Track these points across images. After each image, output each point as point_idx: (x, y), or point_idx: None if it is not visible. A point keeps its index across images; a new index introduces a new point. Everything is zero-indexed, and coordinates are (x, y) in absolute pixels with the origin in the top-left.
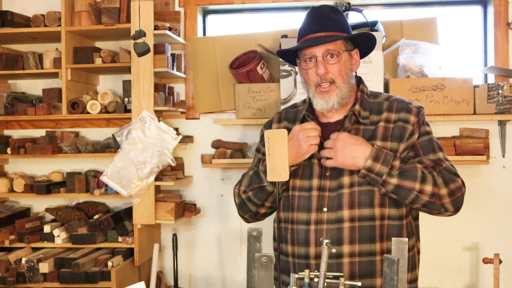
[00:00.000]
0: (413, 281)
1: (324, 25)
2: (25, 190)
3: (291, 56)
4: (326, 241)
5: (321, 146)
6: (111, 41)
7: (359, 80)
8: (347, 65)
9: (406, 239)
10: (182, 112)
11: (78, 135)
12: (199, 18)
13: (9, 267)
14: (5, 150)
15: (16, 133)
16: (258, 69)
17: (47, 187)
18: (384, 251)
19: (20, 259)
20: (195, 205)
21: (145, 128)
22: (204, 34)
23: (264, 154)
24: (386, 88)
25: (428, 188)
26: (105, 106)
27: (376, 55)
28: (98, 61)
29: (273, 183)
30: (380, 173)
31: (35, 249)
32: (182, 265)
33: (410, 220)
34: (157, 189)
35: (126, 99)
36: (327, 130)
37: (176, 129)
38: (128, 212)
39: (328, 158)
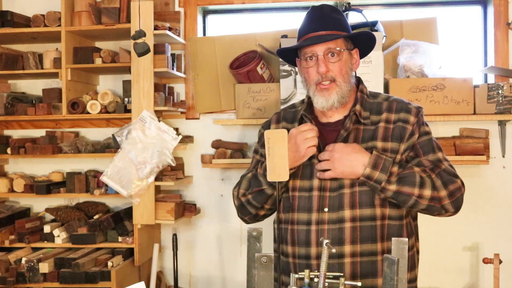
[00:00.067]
0: (412, 280)
1: (325, 24)
2: (25, 190)
3: (291, 56)
4: (326, 241)
5: (320, 147)
6: (111, 41)
7: (358, 80)
8: (347, 64)
9: (406, 239)
10: (182, 112)
11: (78, 135)
12: (199, 18)
13: (9, 267)
14: (5, 150)
15: (16, 133)
16: (258, 69)
17: (47, 187)
18: (385, 251)
19: (20, 259)
20: (195, 205)
21: (145, 128)
22: (204, 34)
23: (262, 155)
24: (386, 88)
25: (427, 192)
26: (105, 106)
27: (376, 55)
28: (98, 61)
29: (273, 186)
30: (379, 181)
31: (35, 249)
32: (182, 265)
33: (410, 220)
34: (157, 189)
35: (126, 99)
36: (327, 130)
37: (176, 129)
38: (128, 212)
39: (325, 170)
